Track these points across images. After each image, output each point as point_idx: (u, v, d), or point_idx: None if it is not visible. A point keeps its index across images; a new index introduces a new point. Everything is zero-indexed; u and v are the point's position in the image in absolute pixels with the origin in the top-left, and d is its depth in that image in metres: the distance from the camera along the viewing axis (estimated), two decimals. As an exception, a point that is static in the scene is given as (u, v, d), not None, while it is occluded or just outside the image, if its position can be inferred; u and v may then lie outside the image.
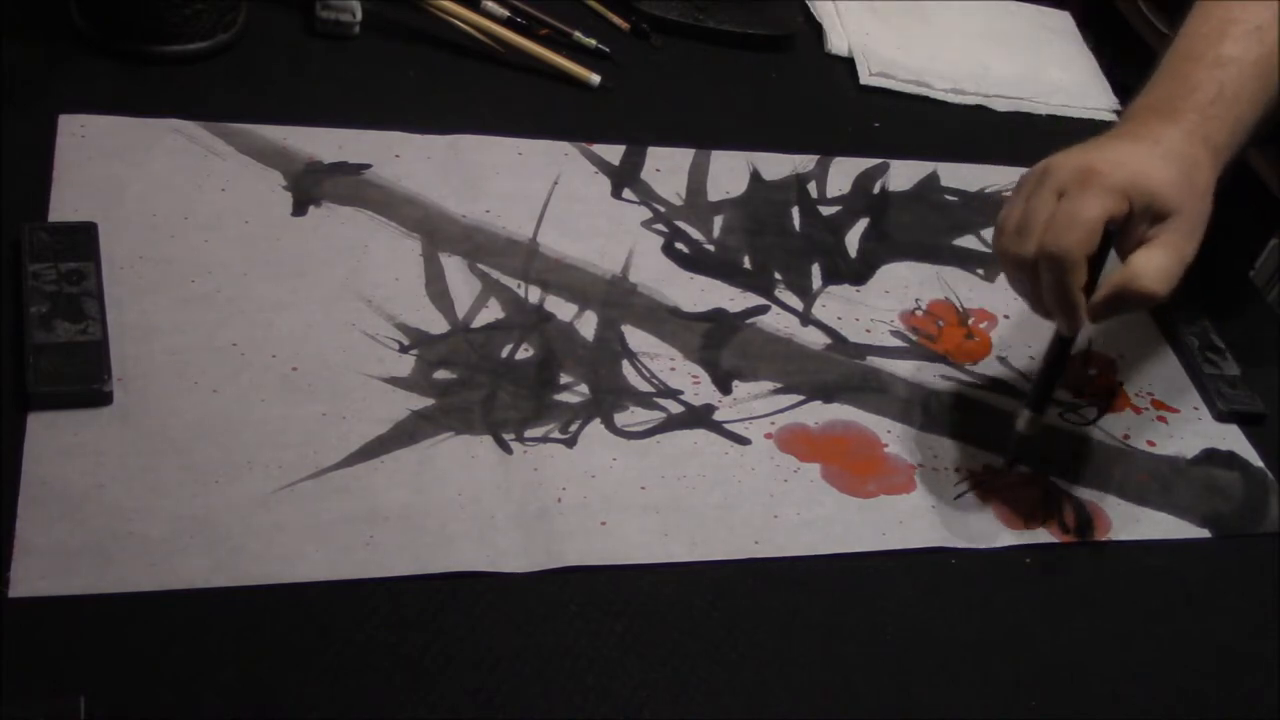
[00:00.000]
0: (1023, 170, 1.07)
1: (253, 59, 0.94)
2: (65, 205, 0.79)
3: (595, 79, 1.01)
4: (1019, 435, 0.77)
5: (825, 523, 0.74)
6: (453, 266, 0.83)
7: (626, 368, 0.80)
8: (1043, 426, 0.77)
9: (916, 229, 0.98)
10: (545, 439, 0.74)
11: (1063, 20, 1.30)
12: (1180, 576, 0.78)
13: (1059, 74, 1.21)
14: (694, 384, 0.80)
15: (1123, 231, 0.71)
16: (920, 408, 0.83)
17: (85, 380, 0.68)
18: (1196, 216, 0.72)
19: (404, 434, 0.72)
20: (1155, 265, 0.70)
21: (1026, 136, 1.13)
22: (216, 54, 0.93)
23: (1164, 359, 0.93)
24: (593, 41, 1.06)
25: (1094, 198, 0.69)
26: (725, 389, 0.81)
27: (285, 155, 0.87)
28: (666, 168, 0.96)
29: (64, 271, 0.73)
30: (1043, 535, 0.78)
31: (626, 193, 0.93)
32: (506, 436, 0.74)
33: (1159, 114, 0.75)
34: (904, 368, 0.86)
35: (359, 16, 0.98)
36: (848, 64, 1.14)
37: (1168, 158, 0.72)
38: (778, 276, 0.90)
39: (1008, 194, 1.04)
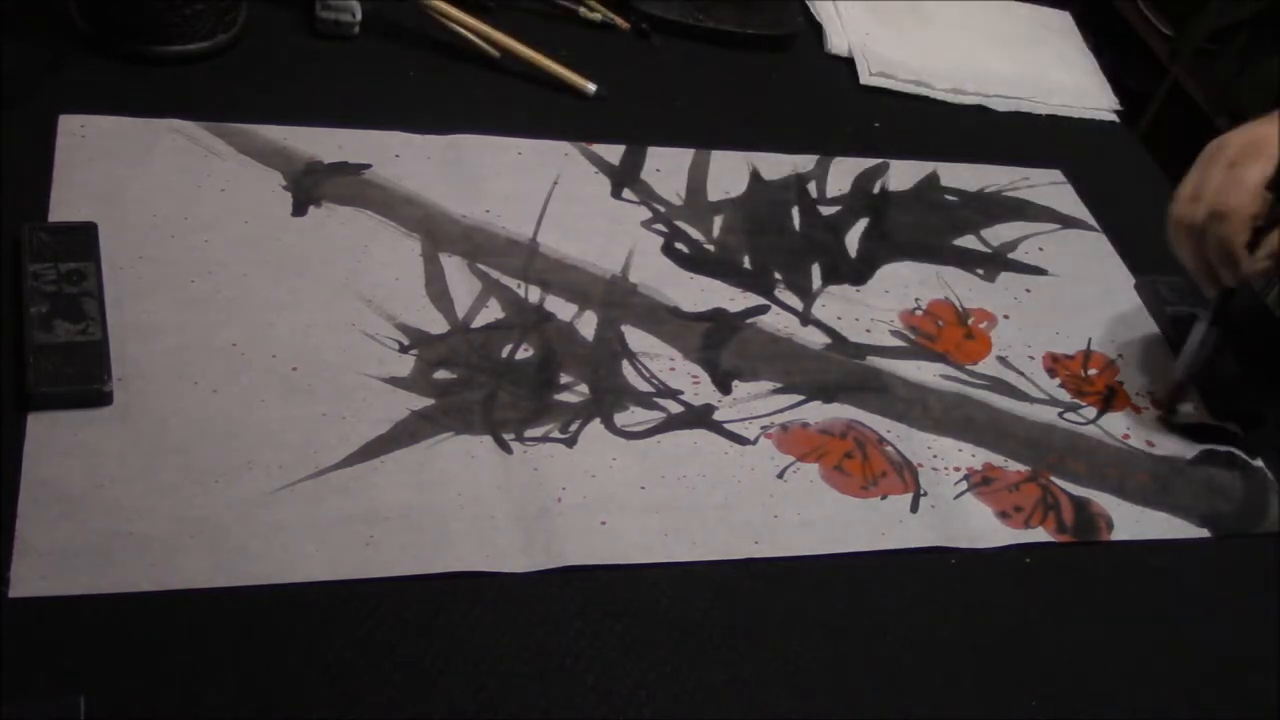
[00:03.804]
0: (1023, 170, 1.09)
1: (253, 59, 0.94)
2: (65, 205, 0.79)
3: (591, 88, 1.01)
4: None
5: (825, 523, 0.74)
6: (453, 266, 0.83)
7: (626, 368, 0.80)
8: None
9: (916, 229, 0.98)
10: (545, 439, 0.74)
11: (1063, 20, 1.30)
12: (1180, 576, 0.78)
13: (1059, 74, 1.21)
14: (694, 384, 0.80)
15: None
16: (920, 408, 0.83)
17: (85, 380, 0.69)
18: None
19: (404, 434, 0.72)
20: None
21: (1026, 136, 1.13)
22: (216, 54, 0.93)
23: (1164, 359, 0.93)
24: (599, 15, 1.06)
25: (1257, 164, 0.78)
26: (725, 389, 0.81)
27: (285, 155, 0.87)
28: (666, 168, 0.96)
29: (64, 271, 0.73)
30: (1042, 535, 0.78)
31: (626, 193, 0.93)
32: (506, 436, 0.74)
33: None
34: (904, 367, 0.86)
35: (359, 16, 0.98)
36: (848, 64, 1.14)
37: None
38: (778, 276, 0.90)
39: (1007, 194, 1.05)
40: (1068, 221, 1.03)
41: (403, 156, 0.90)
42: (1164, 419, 0.88)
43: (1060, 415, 0.86)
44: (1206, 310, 0.95)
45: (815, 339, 0.86)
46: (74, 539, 0.63)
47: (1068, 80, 1.21)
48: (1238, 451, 0.87)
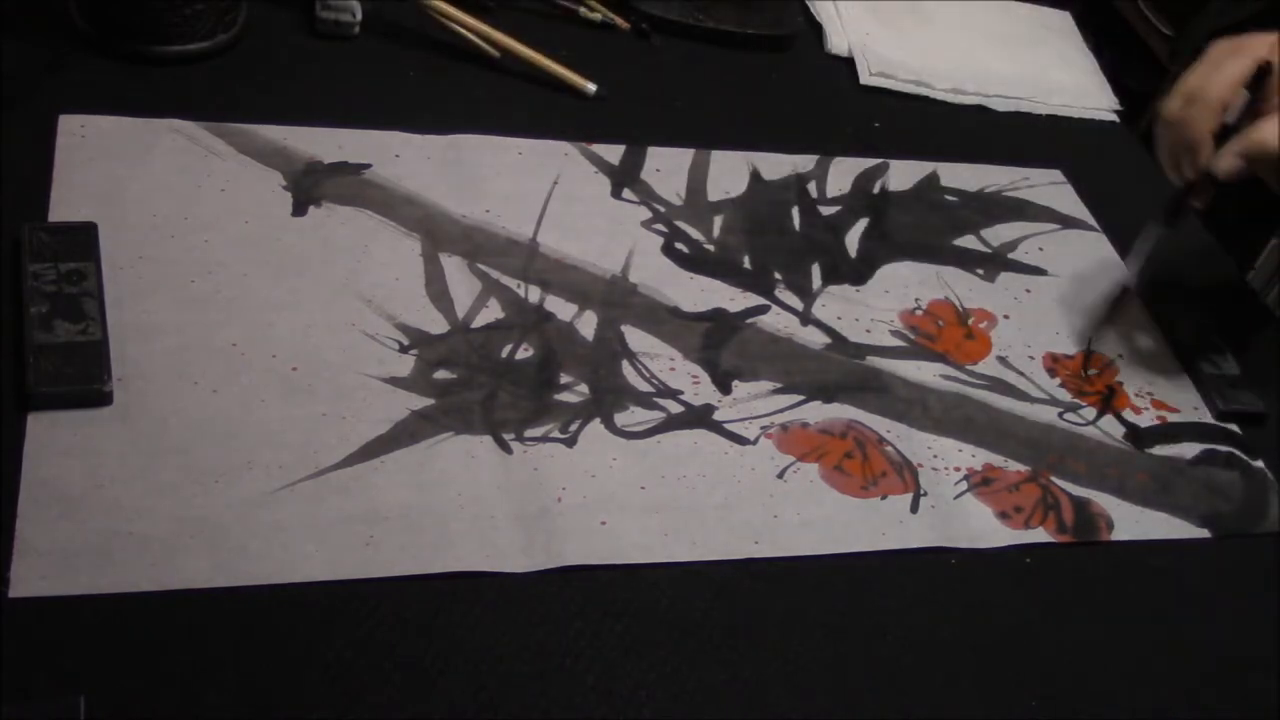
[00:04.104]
0: (1023, 170, 1.09)
1: (253, 59, 0.94)
2: (65, 205, 0.79)
3: (591, 88, 1.00)
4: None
5: (825, 523, 0.74)
6: (453, 266, 0.83)
7: (626, 368, 0.80)
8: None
9: (916, 229, 0.98)
10: (545, 439, 0.74)
11: (1063, 20, 1.30)
12: (1180, 576, 0.78)
13: (1059, 74, 1.21)
14: (694, 384, 0.80)
15: (1264, 98, 0.80)
16: (920, 408, 0.83)
17: (85, 380, 0.69)
18: None
19: (404, 434, 0.72)
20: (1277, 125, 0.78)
21: (1026, 136, 1.13)
22: (216, 54, 0.93)
23: (1164, 359, 0.93)
24: (599, 15, 1.06)
25: (1238, 59, 0.80)
26: (725, 389, 0.81)
27: (285, 155, 0.87)
28: (666, 168, 0.96)
29: (64, 271, 0.73)
30: (1042, 535, 0.78)
31: (626, 193, 0.93)
32: (506, 436, 0.74)
33: None
34: (904, 367, 0.86)
35: (359, 16, 0.98)
36: (848, 64, 1.14)
37: None
38: (778, 276, 0.90)
39: (1007, 194, 1.05)
40: (1068, 221, 1.03)
41: (403, 156, 0.90)
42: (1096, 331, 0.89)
43: (1060, 415, 0.86)
44: (1203, 315, 0.96)
45: (815, 339, 0.86)
46: (74, 539, 0.63)
47: (1068, 80, 1.20)
48: (1238, 451, 0.87)
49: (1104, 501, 0.81)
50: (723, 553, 0.71)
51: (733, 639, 0.68)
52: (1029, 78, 1.18)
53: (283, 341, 0.75)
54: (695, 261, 0.89)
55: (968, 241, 0.98)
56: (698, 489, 0.74)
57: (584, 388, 0.78)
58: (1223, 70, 0.79)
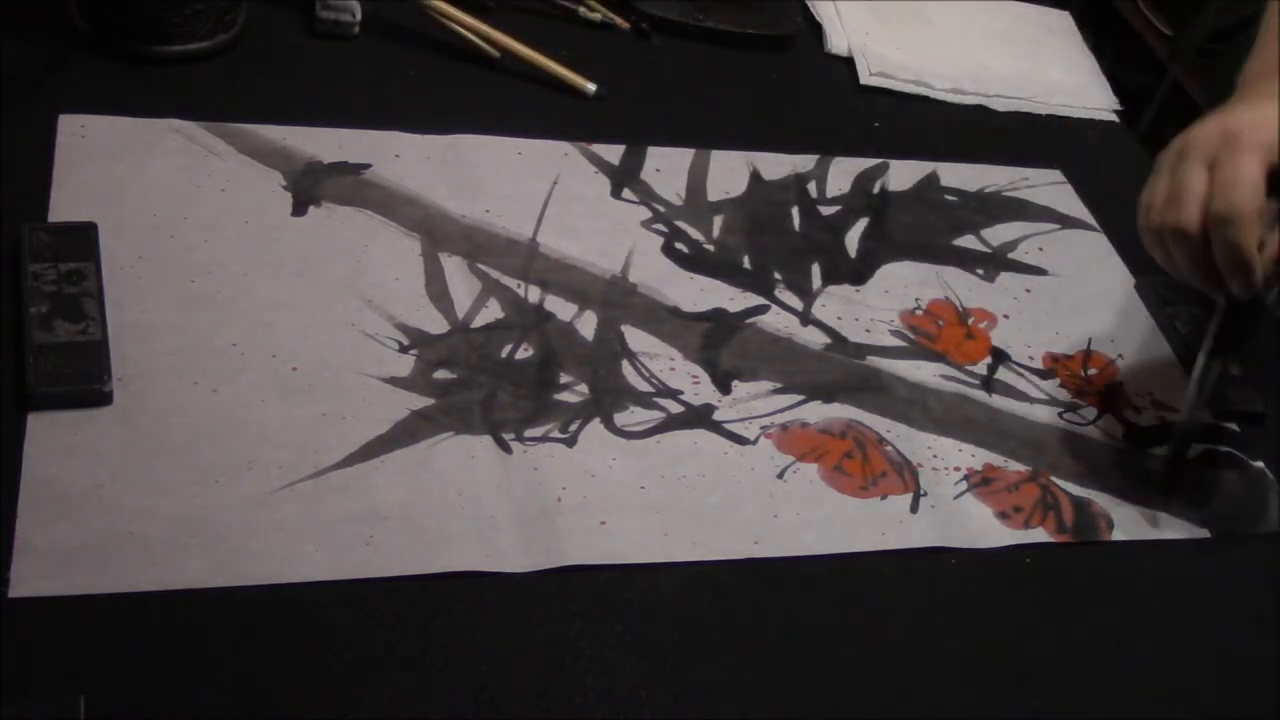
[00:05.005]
0: (1023, 170, 1.08)
1: (253, 59, 0.94)
2: (65, 205, 0.79)
3: (591, 88, 1.01)
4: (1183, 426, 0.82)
5: (825, 523, 0.74)
6: (453, 266, 0.83)
7: (626, 368, 0.80)
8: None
9: (916, 229, 0.98)
10: (545, 439, 0.74)
11: (1063, 20, 1.30)
12: (1180, 576, 0.78)
13: (1059, 74, 1.21)
14: (694, 384, 0.80)
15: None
16: (920, 408, 0.83)
17: (85, 380, 0.69)
18: None
19: (404, 434, 0.72)
20: None
21: (1026, 136, 1.13)
22: (216, 54, 0.93)
23: (1164, 359, 0.93)
24: (599, 15, 1.06)
25: (1249, 156, 0.71)
26: (725, 389, 0.81)
27: (285, 155, 0.87)
28: (666, 168, 0.96)
29: (64, 271, 0.73)
30: (1042, 535, 0.78)
31: (626, 193, 0.93)
32: (506, 436, 0.74)
33: (1274, 74, 0.77)
34: (904, 367, 0.86)
35: (359, 16, 0.98)
36: (848, 64, 1.14)
37: None
38: (777, 276, 0.90)
39: (1007, 194, 1.05)
40: (1067, 221, 1.03)
41: (403, 156, 0.90)
42: (1167, 481, 0.82)
43: (1060, 415, 0.86)
44: (1203, 316, 0.95)
45: (815, 339, 0.86)
46: (74, 539, 0.63)
47: (1067, 80, 1.20)
48: (1238, 452, 0.87)
49: (1104, 501, 0.81)
50: (723, 553, 0.71)
51: (733, 639, 0.68)
52: (1029, 78, 1.18)
53: (283, 341, 0.75)
54: (695, 261, 0.89)
55: (968, 241, 0.98)
56: (697, 489, 0.74)
57: (584, 388, 0.78)
58: (1242, 178, 0.70)
